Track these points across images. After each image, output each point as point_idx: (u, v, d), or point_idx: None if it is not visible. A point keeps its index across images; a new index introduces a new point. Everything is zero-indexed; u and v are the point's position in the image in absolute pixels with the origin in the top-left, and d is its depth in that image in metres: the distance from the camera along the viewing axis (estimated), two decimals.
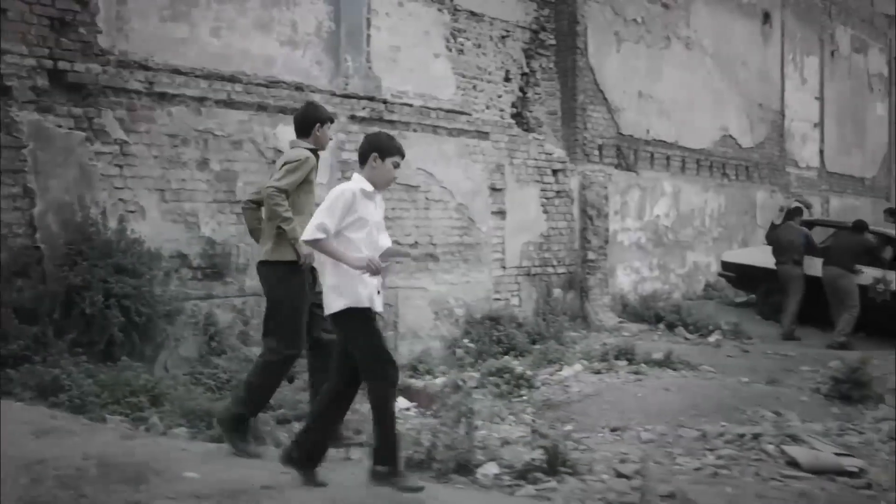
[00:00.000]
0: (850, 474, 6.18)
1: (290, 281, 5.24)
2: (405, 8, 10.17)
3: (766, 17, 16.70)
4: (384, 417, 4.34)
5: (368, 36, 9.68)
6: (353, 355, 4.37)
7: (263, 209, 5.50)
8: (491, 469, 5.19)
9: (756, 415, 7.74)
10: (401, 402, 7.93)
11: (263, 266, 5.43)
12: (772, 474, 6.05)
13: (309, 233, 4.33)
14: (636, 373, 9.04)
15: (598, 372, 9.03)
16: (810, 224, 12.67)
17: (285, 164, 5.40)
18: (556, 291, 11.79)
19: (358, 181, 4.48)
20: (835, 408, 8.27)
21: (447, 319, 10.32)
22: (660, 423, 7.27)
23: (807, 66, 18.20)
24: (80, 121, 7.32)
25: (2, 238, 6.77)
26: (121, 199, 7.55)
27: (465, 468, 5.10)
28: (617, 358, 9.66)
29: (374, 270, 4.28)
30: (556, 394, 8.30)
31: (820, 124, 18.71)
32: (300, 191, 5.39)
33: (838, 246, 11.67)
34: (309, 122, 5.65)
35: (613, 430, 7.16)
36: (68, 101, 7.25)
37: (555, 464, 5.23)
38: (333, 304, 4.37)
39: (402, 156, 4.63)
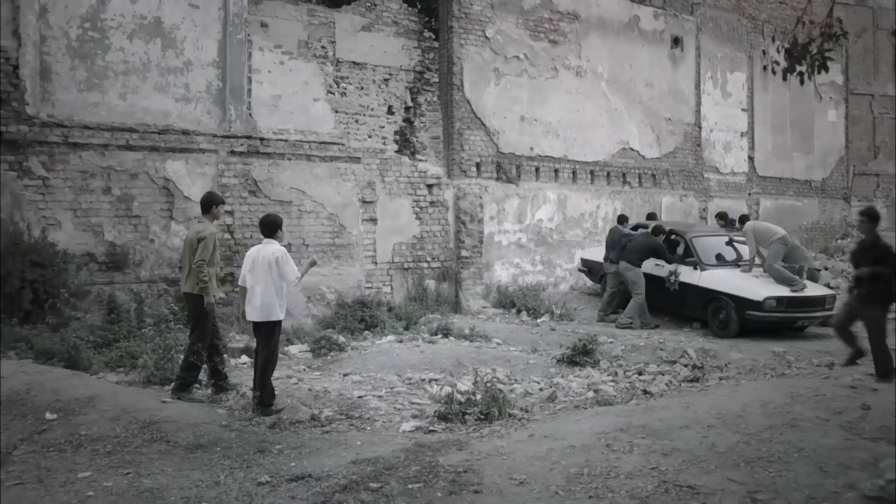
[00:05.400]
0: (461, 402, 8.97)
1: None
2: (286, 65, 13.37)
3: (677, 42, 18.80)
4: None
5: (249, 90, 12.92)
6: None
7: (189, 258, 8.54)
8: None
9: (473, 369, 10.45)
10: (244, 358, 11.24)
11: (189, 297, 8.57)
12: (406, 400, 8.91)
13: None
14: (430, 342, 11.86)
15: (400, 341, 11.92)
16: (636, 226, 14.90)
17: (199, 239, 8.40)
18: (430, 283, 14.68)
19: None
20: (553, 368, 10.87)
21: (319, 303, 13.42)
22: (383, 372, 10.12)
23: (731, 81, 20.13)
24: (13, 165, 10.93)
25: None
26: (44, 217, 11.11)
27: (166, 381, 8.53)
28: (435, 334, 12.50)
29: None
30: (351, 355, 11.20)
31: (749, 133, 20.65)
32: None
33: (634, 245, 13.82)
34: (209, 204, 8.82)
35: (345, 374, 9.99)
36: (5, 152, 10.86)
37: (223, 385, 8.46)
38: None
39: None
